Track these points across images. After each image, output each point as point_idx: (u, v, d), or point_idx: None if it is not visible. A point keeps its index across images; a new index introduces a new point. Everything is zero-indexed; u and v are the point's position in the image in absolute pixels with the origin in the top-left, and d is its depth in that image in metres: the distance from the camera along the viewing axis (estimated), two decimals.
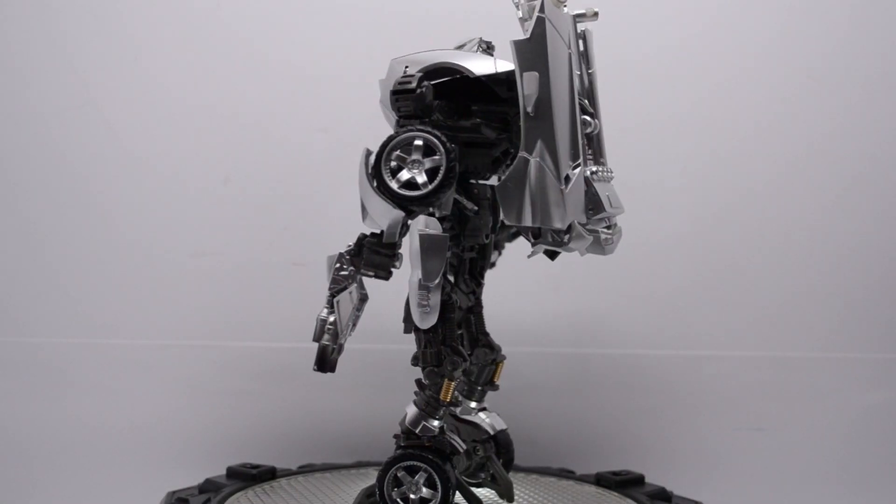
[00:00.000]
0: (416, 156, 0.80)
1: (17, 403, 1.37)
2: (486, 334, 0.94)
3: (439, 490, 0.84)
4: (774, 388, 1.39)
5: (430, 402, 0.86)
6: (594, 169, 0.80)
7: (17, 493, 1.25)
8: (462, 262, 0.92)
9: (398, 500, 0.85)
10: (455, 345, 0.85)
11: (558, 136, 0.76)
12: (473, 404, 0.96)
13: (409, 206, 0.80)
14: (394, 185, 0.80)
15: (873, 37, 1.41)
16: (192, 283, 1.39)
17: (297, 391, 1.36)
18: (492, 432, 0.94)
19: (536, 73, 0.76)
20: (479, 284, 0.94)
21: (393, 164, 0.80)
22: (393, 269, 0.84)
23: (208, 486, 1.07)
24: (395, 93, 0.82)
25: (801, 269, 1.41)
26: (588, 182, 0.79)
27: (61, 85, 1.41)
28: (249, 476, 1.09)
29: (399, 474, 0.85)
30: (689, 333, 1.40)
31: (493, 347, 0.94)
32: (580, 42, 0.85)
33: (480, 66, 0.82)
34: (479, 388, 0.95)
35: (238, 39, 1.40)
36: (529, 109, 0.76)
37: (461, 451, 0.87)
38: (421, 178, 0.79)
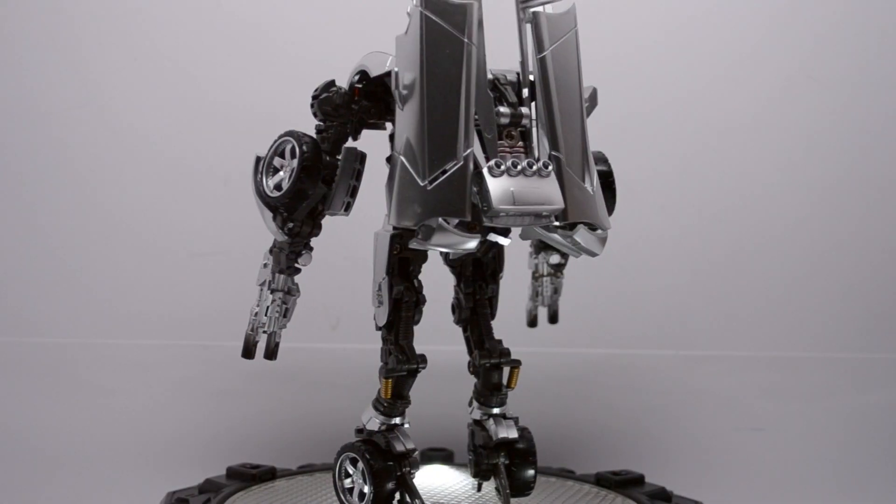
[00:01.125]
0: (287, 159, 0.84)
1: (18, 403, 1.37)
2: (491, 338, 0.92)
3: (368, 483, 0.86)
4: (774, 388, 1.39)
5: (377, 399, 0.88)
6: (491, 163, 0.75)
7: (18, 493, 1.25)
8: (464, 263, 0.91)
9: (347, 488, 0.89)
10: (403, 344, 0.87)
11: (427, 132, 0.74)
12: (496, 410, 0.93)
13: (272, 205, 0.85)
14: (268, 187, 0.86)
15: (873, 38, 1.41)
16: (192, 283, 1.39)
17: (297, 391, 1.36)
18: (494, 439, 0.91)
19: (397, 69, 0.76)
20: (487, 284, 0.92)
21: (274, 167, 0.86)
22: (297, 267, 0.88)
23: (208, 486, 1.07)
24: (312, 98, 0.86)
25: (802, 269, 1.41)
26: (480, 177, 0.75)
27: (62, 85, 1.41)
28: (249, 476, 1.09)
29: (346, 465, 0.89)
30: (689, 333, 1.40)
31: (491, 352, 0.92)
32: (528, 26, 0.80)
33: (379, 67, 0.82)
34: (489, 392, 0.92)
35: (238, 39, 1.40)
36: (400, 105, 0.76)
37: (397, 451, 0.87)
38: (287, 182, 0.84)
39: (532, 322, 1.09)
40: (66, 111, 1.41)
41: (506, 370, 0.92)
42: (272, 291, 0.88)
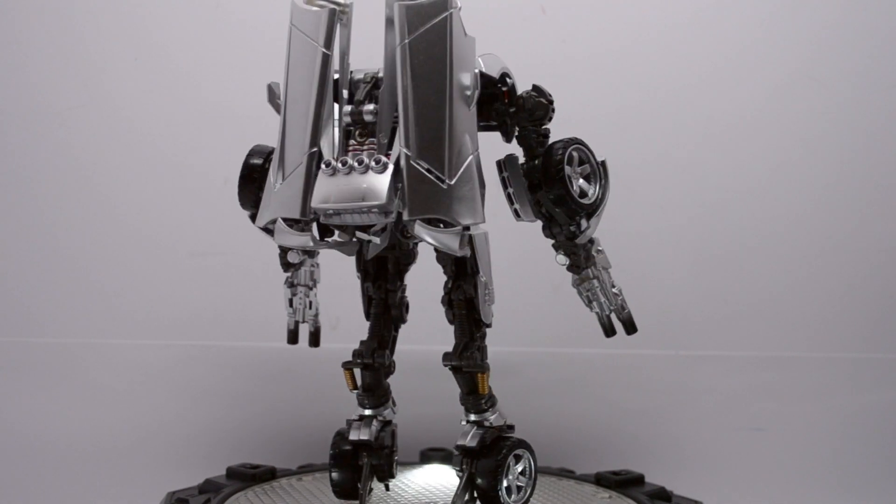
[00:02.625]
0: None
1: (18, 403, 1.37)
2: (458, 342, 0.88)
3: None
4: (774, 388, 1.39)
5: None
6: (322, 164, 0.77)
7: (18, 493, 1.25)
8: (445, 263, 0.90)
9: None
10: (364, 339, 0.91)
11: (283, 137, 0.79)
12: (474, 415, 0.89)
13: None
14: None
15: (873, 38, 1.41)
16: (192, 283, 1.39)
17: (297, 391, 1.36)
18: (456, 444, 0.88)
19: (273, 81, 0.82)
20: (458, 286, 0.88)
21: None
22: (290, 262, 0.92)
23: (208, 487, 1.07)
24: None
25: (801, 268, 1.41)
26: (315, 176, 0.78)
27: (62, 84, 1.41)
28: (249, 476, 1.09)
29: None
30: (689, 333, 1.40)
31: (451, 356, 0.88)
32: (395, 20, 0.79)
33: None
34: (463, 396, 0.89)
35: (238, 39, 1.40)
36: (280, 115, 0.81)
37: (349, 439, 0.89)
38: None
39: (605, 331, 1.00)
40: (65, 110, 1.41)
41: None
42: (291, 286, 0.96)
